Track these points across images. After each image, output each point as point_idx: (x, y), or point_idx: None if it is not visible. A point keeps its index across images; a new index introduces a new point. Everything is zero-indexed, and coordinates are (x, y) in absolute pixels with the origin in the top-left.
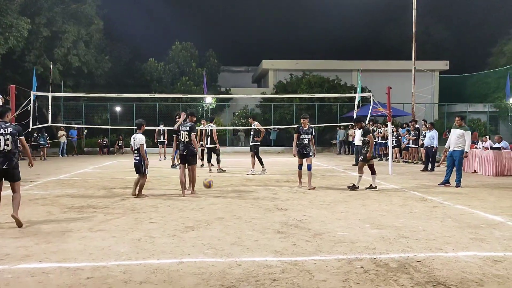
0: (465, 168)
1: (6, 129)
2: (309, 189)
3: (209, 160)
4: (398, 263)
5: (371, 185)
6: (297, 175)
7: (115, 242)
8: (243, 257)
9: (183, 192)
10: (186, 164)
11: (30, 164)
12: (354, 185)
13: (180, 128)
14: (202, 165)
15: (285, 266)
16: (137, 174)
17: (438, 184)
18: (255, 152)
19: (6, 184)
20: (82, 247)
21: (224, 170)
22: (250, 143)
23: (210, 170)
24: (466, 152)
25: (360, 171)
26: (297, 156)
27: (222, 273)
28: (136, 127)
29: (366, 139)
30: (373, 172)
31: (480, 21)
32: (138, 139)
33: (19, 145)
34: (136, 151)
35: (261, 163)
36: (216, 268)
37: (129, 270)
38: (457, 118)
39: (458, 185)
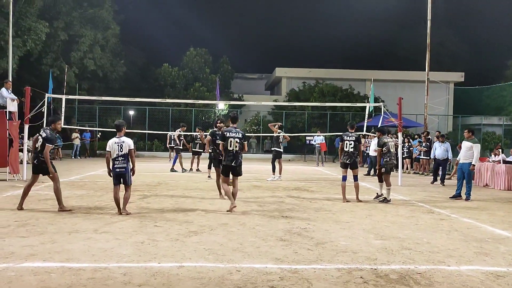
0: (477, 181)
1: (43, 135)
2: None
3: (209, 167)
4: (399, 274)
5: (377, 193)
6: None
7: (118, 244)
8: (243, 263)
9: (232, 206)
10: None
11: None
12: (385, 198)
13: (229, 135)
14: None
15: (284, 273)
16: (115, 186)
17: (450, 197)
18: (273, 159)
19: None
20: (86, 248)
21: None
22: (280, 149)
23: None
24: (473, 165)
25: (387, 183)
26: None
27: (221, 279)
28: (115, 129)
29: (384, 149)
30: (381, 180)
31: (497, 34)
32: (126, 143)
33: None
34: (121, 157)
35: (273, 170)
36: (215, 273)
37: (130, 272)
38: (466, 131)
39: (467, 198)
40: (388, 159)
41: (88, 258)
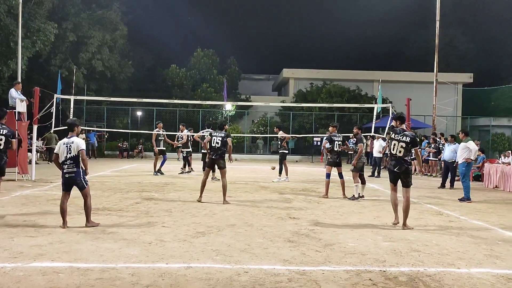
0: (486, 183)
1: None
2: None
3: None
4: (408, 276)
5: (359, 194)
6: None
7: (126, 244)
8: (251, 265)
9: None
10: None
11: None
12: (353, 195)
13: (394, 137)
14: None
15: (292, 275)
16: (63, 193)
17: (459, 199)
18: (280, 160)
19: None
20: (94, 248)
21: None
22: (284, 151)
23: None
24: (470, 159)
25: (355, 180)
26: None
27: (229, 280)
28: (67, 128)
29: (357, 147)
30: (362, 181)
31: (506, 34)
32: (76, 143)
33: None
34: (69, 161)
35: (280, 172)
36: (223, 274)
37: (137, 273)
38: (460, 133)
39: (463, 199)
40: (360, 158)
41: (96, 258)
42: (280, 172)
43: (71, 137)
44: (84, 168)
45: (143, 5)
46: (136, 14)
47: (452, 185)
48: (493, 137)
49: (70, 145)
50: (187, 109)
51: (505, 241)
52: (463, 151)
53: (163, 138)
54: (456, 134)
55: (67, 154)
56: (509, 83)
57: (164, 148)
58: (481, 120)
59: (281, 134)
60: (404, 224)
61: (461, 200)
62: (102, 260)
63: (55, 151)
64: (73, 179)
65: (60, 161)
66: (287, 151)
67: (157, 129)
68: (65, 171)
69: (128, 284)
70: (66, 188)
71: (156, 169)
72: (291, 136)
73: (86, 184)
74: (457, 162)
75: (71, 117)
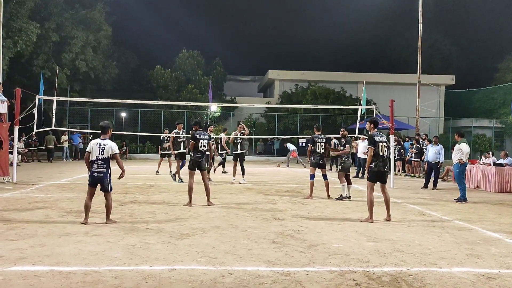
0: (468, 183)
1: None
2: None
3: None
4: (391, 276)
5: (346, 194)
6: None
7: (109, 247)
8: (236, 266)
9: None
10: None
11: None
12: (341, 195)
13: (378, 139)
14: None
15: (276, 276)
16: (90, 190)
17: (454, 199)
18: (242, 160)
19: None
20: (76, 251)
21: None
22: (240, 151)
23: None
24: (461, 159)
25: (341, 180)
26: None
27: (213, 282)
28: (100, 131)
29: (345, 148)
30: (348, 182)
31: (488, 37)
32: (109, 146)
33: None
34: (100, 161)
35: (234, 173)
36: (207, 276)
37: (121, 276)
38: (456, 135)
39: (459, 199)
40: (347, 159)
41: (79, 262)
42: (234, 174)
43: (104, 139)
44: (111, 172)
45: (128, 6)
46: (121, 14)
47: (435, 186)
48: (474, 138)
49: (104, 147)
50: (172, 110)
51: (485, 240)
52: (456, 152)
53: (184, 139)
54: (438, 135)
55: (99, 154)
56: (490, 85)
57: (185, 151)
58: (463, 122)
59: (246, 132)
60: (390, 217)
61: (457, 200)
62: (85, 263)
63: (87, 150)
64: (101, 179)
65: (91, 160)
66: (237, 151)
67: (176, 130)
68: (94, 170)
69: (111, 287)
70: (92, 185)
71: (179, 175)
72: (277, 138)
73: (111, 188)
74: (441, 163)
75: (53, 118)
